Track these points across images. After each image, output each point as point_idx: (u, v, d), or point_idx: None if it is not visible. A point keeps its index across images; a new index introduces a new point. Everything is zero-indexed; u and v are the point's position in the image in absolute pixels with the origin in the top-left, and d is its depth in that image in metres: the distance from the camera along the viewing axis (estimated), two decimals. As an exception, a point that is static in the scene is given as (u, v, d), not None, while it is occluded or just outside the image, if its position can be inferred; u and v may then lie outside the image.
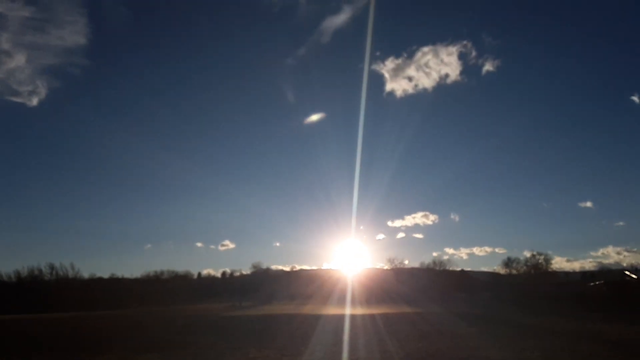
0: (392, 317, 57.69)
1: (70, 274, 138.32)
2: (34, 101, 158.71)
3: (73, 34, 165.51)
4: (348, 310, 67.86)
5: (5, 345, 35.78)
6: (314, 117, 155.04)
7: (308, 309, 78.93)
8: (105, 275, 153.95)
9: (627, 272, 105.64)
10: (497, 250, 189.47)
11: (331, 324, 49.44)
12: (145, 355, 29.61)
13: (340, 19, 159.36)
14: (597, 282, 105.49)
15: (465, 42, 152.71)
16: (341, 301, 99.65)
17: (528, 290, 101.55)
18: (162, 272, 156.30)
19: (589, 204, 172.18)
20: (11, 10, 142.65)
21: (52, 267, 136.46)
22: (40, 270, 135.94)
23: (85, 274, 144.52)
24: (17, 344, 36.49)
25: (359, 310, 70.84)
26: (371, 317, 56.43)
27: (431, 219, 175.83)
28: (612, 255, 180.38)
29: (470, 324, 49.95)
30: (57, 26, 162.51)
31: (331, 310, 73.37)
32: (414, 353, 28.85)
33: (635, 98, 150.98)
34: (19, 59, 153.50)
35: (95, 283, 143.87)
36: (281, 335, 39.98)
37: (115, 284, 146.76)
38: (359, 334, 39.57)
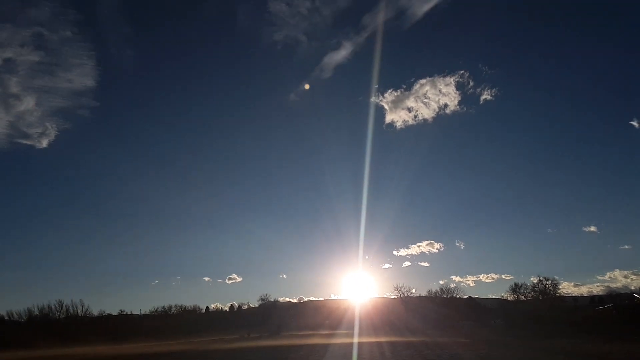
0: (398, 344, 58.22)
1: (80, 311, 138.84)
2: (44, 143, 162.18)
3: (81, 76, 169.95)
4: (356, 339, 68.17)
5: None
6: (318, 149, 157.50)
7: (316, 339, 79.16)
8: (114, 311, 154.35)
9: (636, 295, 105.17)
10: (504, 276, 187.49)
11: (340, 351, 50.19)
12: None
13: (340, 54, 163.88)
14: (606, 306, 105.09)
15: (462, 71, 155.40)
16: (349, 331, 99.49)
17: (537, 315, 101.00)
18: (170, 307, 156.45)
19: (593, 228, 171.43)
20: (20, 55, 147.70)
21: (61, 305, 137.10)
22: (50, 308, 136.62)
23: (95, 311, 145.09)
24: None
25: (366, 339, 71.07)
26: (378, 345, 57.00)
27: (437, 247, 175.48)
28: (620, 278, 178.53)
29: (479, 349, 50.54)
30: (65, 69, 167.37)
31: (339, 339, 73.63)
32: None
33: (634, 123, 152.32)
34: (28, 102, 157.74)
35: (105, 319, 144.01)
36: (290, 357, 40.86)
37: (124, 320, 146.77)
38: (365, 358, 40.42)
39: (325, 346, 58.25)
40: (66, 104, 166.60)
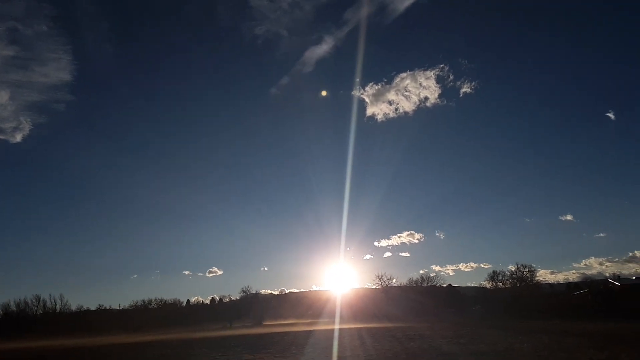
0: (376, 330, 59.43)
1: (59, 305, 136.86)
2: (18, 137, 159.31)
3: (57, 70, 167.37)
4: (337, 326, 68.92)
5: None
6: (300, 143, 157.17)
7: (299, 327, 79.56)
8: (93, 306, 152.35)
9: (610, 280, 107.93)
10: (482, 265, 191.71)
11: (322, 336, 50.81)
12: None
13: (322, 49, 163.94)
14: (581, 291, 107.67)
15: (442, 65, 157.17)
16: (330, 320, 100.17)
17: (515, 301, 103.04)
18: (150, 301, 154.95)
19: (569, 217, 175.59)
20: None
21: (38, 299, 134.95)
22: (27, 303, 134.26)
23: (73, 306, 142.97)
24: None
25: (347, 326, 71.98)
26: (358, 330, 57.98)
27: (417, 237, 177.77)
28: (595, 266, 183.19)
29: (459, 330, 51.45)
30: (41, 64, 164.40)
31: (321, 327, 74.26)
32: (387, 352, 30.66)
33: (610, 114, 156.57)
34: (2, 97, 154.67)
35: (83, 314, 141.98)
36: (275, 345, 41.02)
37: (102, 314, 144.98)
38: (345, 342, 40.92)
39: (308, 332, 58.68)
40: (41, 98, 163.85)
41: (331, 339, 45.52)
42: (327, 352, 32.98)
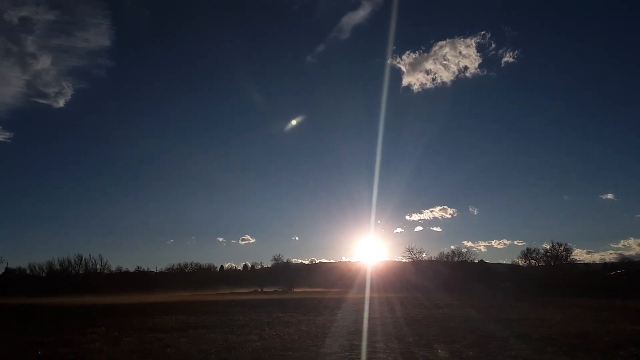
0: (405, 298, 60.17)
1: (99, 265, 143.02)
2: (61, 102, 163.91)
3: (97, 36, 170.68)
4: (367, 294, 70.25)
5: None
6: (334, 112, 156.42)
7: (330, 294, 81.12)
8: (131, 268, 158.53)
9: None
10: (516, 242, 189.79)
11: (352, 301, 51.97)
12: (201, 317, 32.17)
13: (359, 14, 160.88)
14: (618, 271, 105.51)
15: (483, 32, 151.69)
16: (360, 290, 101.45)
17: (548, 279, 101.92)
18: (185, 265, 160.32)
19: (610, 196, 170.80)
20: (36, 14, 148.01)
21: (81, 259, 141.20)
22: (70, 262, 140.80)
23: (113, 267, 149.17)
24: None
25: (377, 295, 73.12)
26: (387, 298, 58.84)
27: (449, 212, 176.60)
28: (634, 247, 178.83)
29: (489, 301, 51.64)
30: (81, 29, 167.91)
31: (352, 295, 75.55)
32: (415, 316, 31.26)
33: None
34: (45, 61, 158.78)
35: (123, 275, 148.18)
36: (305, 307, 42.23)
37: (141, 276, 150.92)
38: (375, 307, 41.77)
39: (339, 298, 59.92)
40: (82, 63, 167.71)
41: (361, 303, 46.56)
42: (357, 314, 33.85)
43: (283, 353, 16.44)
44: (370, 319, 29.92)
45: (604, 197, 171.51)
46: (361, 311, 36.71)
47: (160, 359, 15.43)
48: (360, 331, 22.99)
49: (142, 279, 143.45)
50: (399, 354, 16.47)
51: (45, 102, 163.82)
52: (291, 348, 17.55)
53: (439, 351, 17.01)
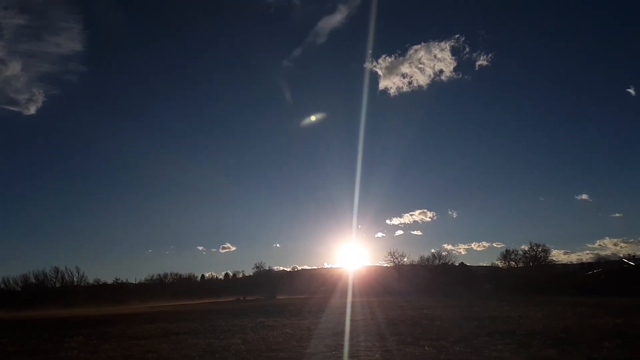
0: (386, 302, 60.34)
1: (76, 277, 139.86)
2: (32, 109, 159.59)
3: (69, 40, 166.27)
4: (349, 299, 70.17)
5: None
6: (313, 117, 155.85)
7: (314, 300, 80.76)
8: (109, 280, 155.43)
9: (625, 260, 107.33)
10: (495, 245, 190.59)
11: (334, 305, 51.77)
12: (182, 324, 31.49)
13: (335, 19, 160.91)
14: (594, 271, 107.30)
15: (457, 36, 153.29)
16: (343, 296, 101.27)
17: (528, 280, 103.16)
18: (165, 275, 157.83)
19: (585, 196, 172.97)
20: (5, 18, 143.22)
21: (57, 271, 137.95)
22: (45, 275, 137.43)
23: (90, 279, 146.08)
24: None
25: (359, 299, 73.13)
26: (369, 302, 58.88)
27: (429, 215, 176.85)
28: (610, 246, 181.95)
29: (470, 302, 51.84)
30: (52, 33, 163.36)
31: (334, 300, 75.29)
32: (399, 317, 31.29)
33: (631, 90, 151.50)
34: (15, 67, 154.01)
35: (101, 288, 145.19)
36: (288, 311, 41.83)
37: (120, 287, 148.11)
38: (357, 310, 41.65)
39: (323, 304, 59.53)
40: (53, 69, 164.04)
41: (344, 307, 46.32)
42: (340, 317, 33.62)
43: (268, 354, 16.12)
44: (353, 321, 29.73)
45: (578, 197, 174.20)
46: (344, 314, 36.48)
47: (141, 363, 14.98)
48: (343, 332, 22.77)
49: (120, 291, 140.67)
50: (385, 352, 16.30)
51: (15, 109, 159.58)
52: (276, 349, 17.23)
53: (426, 348, 16.88)
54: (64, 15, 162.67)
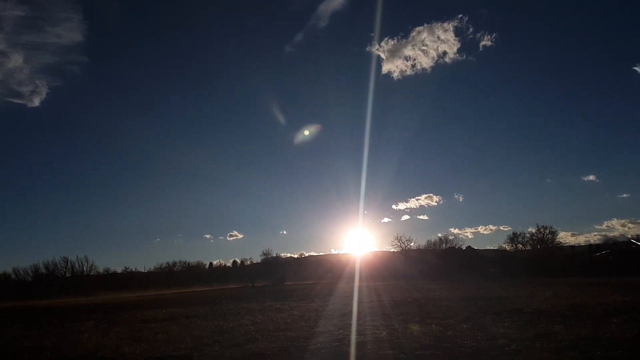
0: (392, 285, 60.55)
1: (86, 267, 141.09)
2: (36, 101, 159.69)
3: (69, 31, 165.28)
4: (356, 283, 70.58)
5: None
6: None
7: (321, 285, 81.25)
8: (119, 269, 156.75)
9: (633, 241, 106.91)
10: (502, 228, 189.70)
11: (342, 289, 52.05)
12: (192, 308, 31.77)
13: (337, 1, 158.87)
14: (603, 252, 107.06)
15: (460, 16, 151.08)
16: (350, 281, 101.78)
17: (535, 262, 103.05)
18: (174, 264, 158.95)
19: (592, 177, 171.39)
20: (4, 10, 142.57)
21: (67, 261, 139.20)
22: (55, 265, 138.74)
23: (100, 268, 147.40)
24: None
25: (365, 284, 73.55)
26: (375, 286, 59.13)
27: (435, 200, 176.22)
28: (617, 227, 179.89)
29: (478, 284, 51.92)
30: (52, 24, 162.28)
31: (341, 285, 75.72)
32: (400, 299, 31.39)
33: (637, 68, 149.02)
34: (17, 59, 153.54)
35: (111, 276, 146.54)
36: (297, 295, 42.07)
37: (129, 276, 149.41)
38: (364, 293, 41.83)
39: (330, 289, 59.85)
40: (55, 60, 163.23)
41: (351, 291, 46.53)
42: (347, 300, 33.78)
43: (277, 334, 16.25)
44: (360, 303, 29.88)
45: (585, 178, 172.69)
46: (351, 297, 36.65)
47: (151, 344, 15.13)
48: (350, 313, 22.89)
49: (130, 279, 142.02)
50: (392, 330, 16.37)
51: (20, 101, 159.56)
52: (284, 329, 17.37)
53: (432, 326, 16.95)
54: (63, 6, 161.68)
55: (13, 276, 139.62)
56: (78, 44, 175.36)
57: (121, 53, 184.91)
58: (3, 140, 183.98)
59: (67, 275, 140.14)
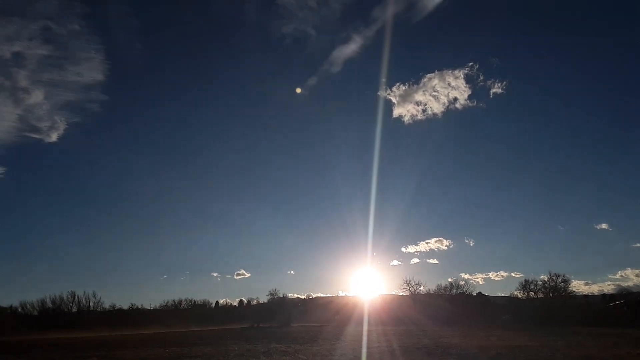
0: (402, 330, 59.44)
1: (93, 302, 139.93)
2: (53, 137, 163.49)
3: (90, 70, 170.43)
4: (365, 327, 69.32)
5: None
6: (326, 145, 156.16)
7: (329, 328, 79.88)
8: (125, 305, 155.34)
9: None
10: (513, 274, 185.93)
11: (350, 333, 51.13)
12: (195, 348, 31.38)
13: (350, 48, 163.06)
14: (617, 302, 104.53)
15: (471, 64, 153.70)
16: (358, 324, 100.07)
17: (548, 311, 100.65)
18: (180, 301, 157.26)
19: (604, 225, 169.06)
20: (29, 49, 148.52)
21: (74, 296, 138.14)
22: (62, 299, 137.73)
23: (106, 304, 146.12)
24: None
25: (374, 328, 72.12)
26: (384, 331, 58.11)
27: (445, 244, 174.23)
28: (631, 277, 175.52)
29: (488, 332, 50.76)
30: (74, 63, 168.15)
31: (349, 329, 74.42)
32: (410, 345, 30.76)
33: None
34: (37, 96, 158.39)
35: (117, 313, 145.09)
36: (302, 338, 41.38)
37: (135, 313, 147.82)
38: (373, 339, 41.10)
39: (337, 332, 58.85)
40: (75, 97, 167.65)
41: (359, 335, 45.72)
42: (355, 345, 33.20)
43: (280, 377, 16.02)
44: (368, 348, 29.36)
45: (598, 227, 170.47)
46: (359, 342, 36.04)
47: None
48: (359, 358, 22.51)
49: (136, 316, 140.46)
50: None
51: (38, 136, 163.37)
52: (289, 373, 17.12)
53: (440, 374, 16.62)
54: (86, 46, 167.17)
55: (19, 310, 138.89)
56: (98, 83, 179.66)
57: (141, 93, 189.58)
58: (20, 173, 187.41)
59: (74, 310, 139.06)
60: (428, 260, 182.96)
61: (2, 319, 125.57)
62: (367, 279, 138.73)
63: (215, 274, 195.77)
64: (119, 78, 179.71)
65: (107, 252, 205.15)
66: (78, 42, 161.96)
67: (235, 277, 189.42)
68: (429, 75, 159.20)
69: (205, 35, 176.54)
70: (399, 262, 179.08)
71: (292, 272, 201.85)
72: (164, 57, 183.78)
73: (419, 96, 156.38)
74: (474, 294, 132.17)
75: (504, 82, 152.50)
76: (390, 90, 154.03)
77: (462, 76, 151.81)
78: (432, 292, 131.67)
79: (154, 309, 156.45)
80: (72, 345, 41.42)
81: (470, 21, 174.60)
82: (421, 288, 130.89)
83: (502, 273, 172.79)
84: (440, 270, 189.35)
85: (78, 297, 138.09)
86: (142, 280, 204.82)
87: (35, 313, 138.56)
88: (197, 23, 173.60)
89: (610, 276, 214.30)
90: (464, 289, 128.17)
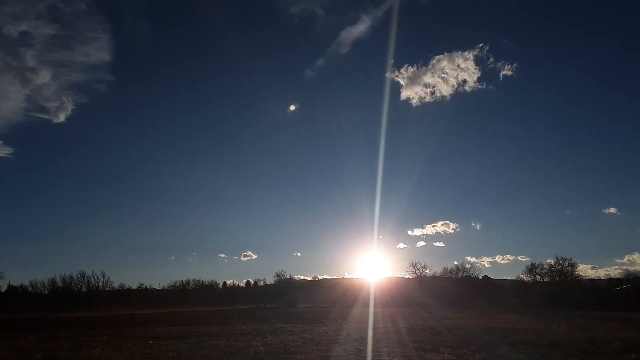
0: (407, 312, 59.73)
1: (102, 282, 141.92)
2: (61, 117, 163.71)
3: (97, 50, 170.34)
4: (371, 308, 69.80)
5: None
6: (333, 126, 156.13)
7: (335, 309, 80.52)
8: (133, 285, 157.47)
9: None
10: (519, 258, 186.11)
11: (356, 314, 51.45)
12: (203, 327, 31.78)
13: (358, 29, 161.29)
14: (623, 287, 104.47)
15: (481, 45, 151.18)
16: (364, 306, 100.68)
17: (554, 294, 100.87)
18: (188, 282, 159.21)
19: (613, 210, 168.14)
20: (36, 28, 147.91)
21: (83, 275, 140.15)
22: (72, 279, 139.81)
23: (115, 284, 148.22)
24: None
25: (380, 309, 72.63)
26: (390, 312, 58.36)
27: (452, 227, 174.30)
28: (638, 262, 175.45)
29: (493, 315, 50.98)
30: (81, 43, 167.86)
31: (355, 310, 74.93)
32: (415, 326, 30.98)
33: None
34: (45, 76, 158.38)
35: (125, 292, 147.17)
36: (308, 318, 41.74)
37: (144, 293, 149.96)
38: (378, 319, 41.32)
39: (344, 313, 59.25)
40: (82, 78, 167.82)
41: (365, 316, 46.03)
42: (361, 325, 33.42)
43: (286, 356, 16.16)
44: (374, 329, 29.54)
45: (606, 211, 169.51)
46: (365, 322, 36.25)
47: (162, 361, 15.18)
48: (364, 338, 22.65)
49: (144, 296, 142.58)
50: (406, 357, 16.18)
51: (45, 116, 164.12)
52: (295, 352, 17.27)
53: (445, 355, 16.70)
54: (92, 26, 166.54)
55: (30, 289, 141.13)
56: (105, 63, 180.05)
57: (147, 72, 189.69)
58: (28, 153, 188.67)
59: (83, 289, 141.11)
60: (434, 244, 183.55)
61: (13, 297, 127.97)
62: (373, 261, 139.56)
63: (222, 255, 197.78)
64: (126, 58, 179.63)
65: (116, 232, 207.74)
66: (85, 22, 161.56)
67: (242, 258, 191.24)
68: (437, 56, 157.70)
69: (213, 14, 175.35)
70: (406, 245, 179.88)
71: (299, 254, 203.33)
72: (170, 36, 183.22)
73: (428, 78, 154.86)
74: (480, 277, 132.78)
75: (515, 64, 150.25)
76: (399, 72, 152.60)
77: (471, 58, 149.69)
78: (438, 275, 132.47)
79: (162, 289, 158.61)
80: (82, 323, 42.04)
81: (481, 1, 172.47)
82: (427, 271, 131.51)
83: (509, 256, 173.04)
84: (446, 253, 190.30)
85: (87, 276, 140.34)
86: (150, 260, 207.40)
87: (46, 292, 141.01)
88: (205, 2, 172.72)
89: (617, 260, 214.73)
90: (470, 272, 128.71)
